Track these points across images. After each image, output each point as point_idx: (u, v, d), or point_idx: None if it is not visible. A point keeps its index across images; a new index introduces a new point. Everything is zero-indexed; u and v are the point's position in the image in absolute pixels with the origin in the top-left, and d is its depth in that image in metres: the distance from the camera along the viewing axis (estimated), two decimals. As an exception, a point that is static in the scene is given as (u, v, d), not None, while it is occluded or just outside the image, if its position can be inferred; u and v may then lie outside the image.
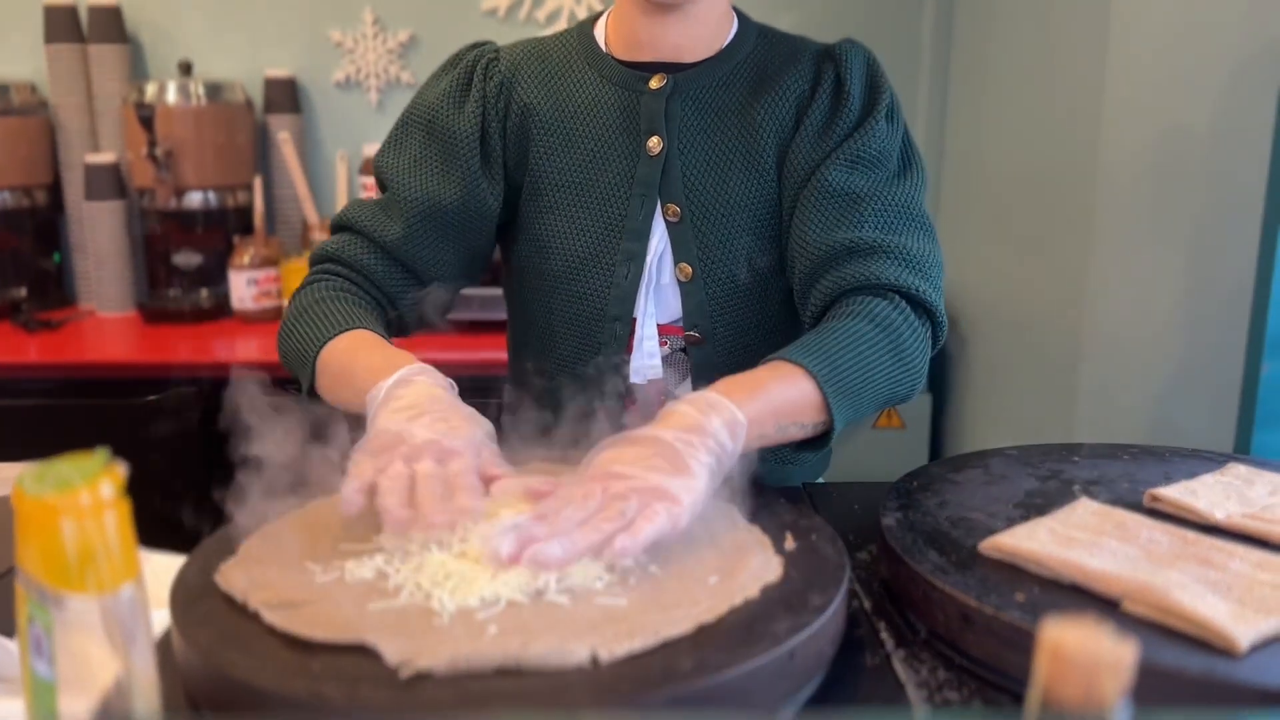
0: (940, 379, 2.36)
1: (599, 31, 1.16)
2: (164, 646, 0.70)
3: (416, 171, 1.13)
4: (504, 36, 2.41)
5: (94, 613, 0.51)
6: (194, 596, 0.71)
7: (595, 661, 0.62)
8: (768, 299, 1.12)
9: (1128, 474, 0.96)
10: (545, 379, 1.11)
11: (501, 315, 1.36)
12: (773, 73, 1.11)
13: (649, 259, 1.10)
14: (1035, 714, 0.36)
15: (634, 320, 1.11)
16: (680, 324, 1.12)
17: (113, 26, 2.33)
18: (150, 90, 2.23)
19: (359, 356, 1.00)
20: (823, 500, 1.04)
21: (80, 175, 2.34)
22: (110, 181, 2.30)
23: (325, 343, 1.02)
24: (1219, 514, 0.83)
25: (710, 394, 0.86)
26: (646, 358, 1.11)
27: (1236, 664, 0.63)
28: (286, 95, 2.40)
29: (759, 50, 1.13)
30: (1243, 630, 0.64)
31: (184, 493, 2.12)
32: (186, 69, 2.29)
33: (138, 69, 2.43)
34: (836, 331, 0.97)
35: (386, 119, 2.46)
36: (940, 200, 2.41)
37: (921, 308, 1.02)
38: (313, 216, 2.36)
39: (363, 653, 0.63)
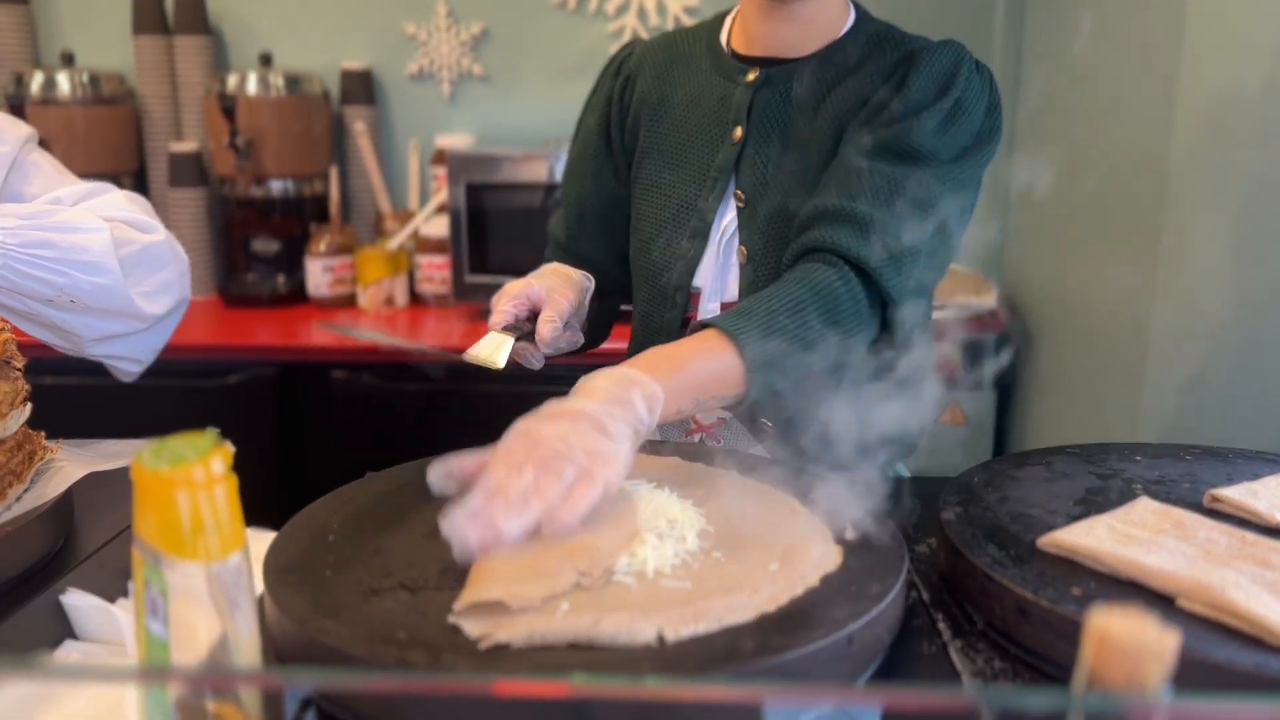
0: (1006, 376, 2.35)
1: (725, 25, 1.24)
2: (257, 613, 0.75)
3: (571, 174, 1.31)
4: (573, 29, 2.47)
5: (203, 578, 0.56)
6: (286, 568, 0.76)
7: (661, 640, 0.65)
8: None
9: (1189, 474, 0.97)
10: (635, 345, 1.24)
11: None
12: (866, 74, 1.12)
13: (717, 239, 1.16)
14: (1080, 695, 0.39)
15: (695, 295, 1.18)
16: (735, 303, 1.16)
17: (197, 19, 2.41)
18: (231, 81, 2.31)
19: None
20: (884, 493, 1.06)
21: (164, 163, 2.42)
22: (193, 169, 2.38)
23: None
24: None
25: (629, 369, 0.87)
26: None
27: (1289, 662, 0.64)
28: (362, 87, 2.46)
29: (865, 49, 1.13)
30: (1297, 629, 0.66)
31: (260, 471, 2.19)
32: (266, 61, 2.36)
33: (220, 60, 2.51)
34: (772, 297, 0.97)
35: (458, 110, 2.51)
36: (1009, 198, 2.40)
37: (872, 284, 1.00)
38: (386, 205, 2.42)
39: (446, 626, 0.67)
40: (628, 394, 0.84)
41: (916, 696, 0.47)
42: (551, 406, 0.83)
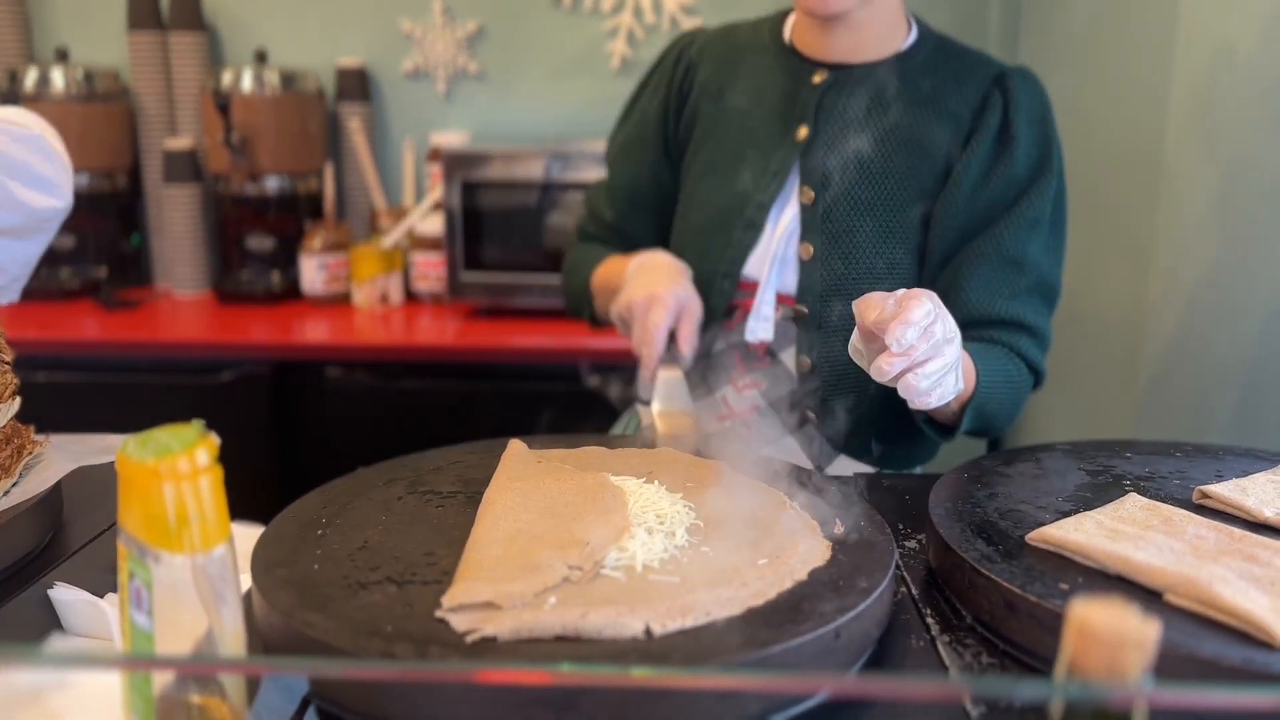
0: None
1: (788, 23, 1.26)
2: (244, 606, 0.75)
3: (623, 156, 1.34)
4: (568, 27, 2.47)
5: (188, 570, 0.55)
6: (274, 562, 0.76)
7: (649, 633, 0.65)
8: (879, 289, 1.16)
9: (1179, 471, 0.97)
10: None
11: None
12: (940, 84, 1.17)
13: (774, 232, 1.19)
14: (1061, 685, 0.39)
15: (752, 284, 1.20)
16: (794, 297, 1.20)
17: (192, 15, 2.41)
18: (227, 78, 2.30)
19: (613, 264, 1.28)
20: (874, 489, 1.06)
21: (159, 160, 2.42)
22: (187, 166, 2.37)
23: (594, 262, 1.31)
24: (1268, 512, 0.84)
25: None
26: (761, 320, 1.20)
27: (1275, 656, 0.64)
28: (357, 84, 2.46)
29: (932, 61, 1.19)
30: (1283, 624, 0.66)
31: (253, 466, 2.19)
32: (262, 58, 2.35)
33: (215, 57, 2.51)
34: (1002, 360, 1.12)
35: (453, 108, 2.51)
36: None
37: (1038, 383, 1.20)
38: (381, 203, 2.42)
39: (433, 619, 0.67)
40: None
41: (901, 688, 0.47)
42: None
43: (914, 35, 1.21)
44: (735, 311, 1.22)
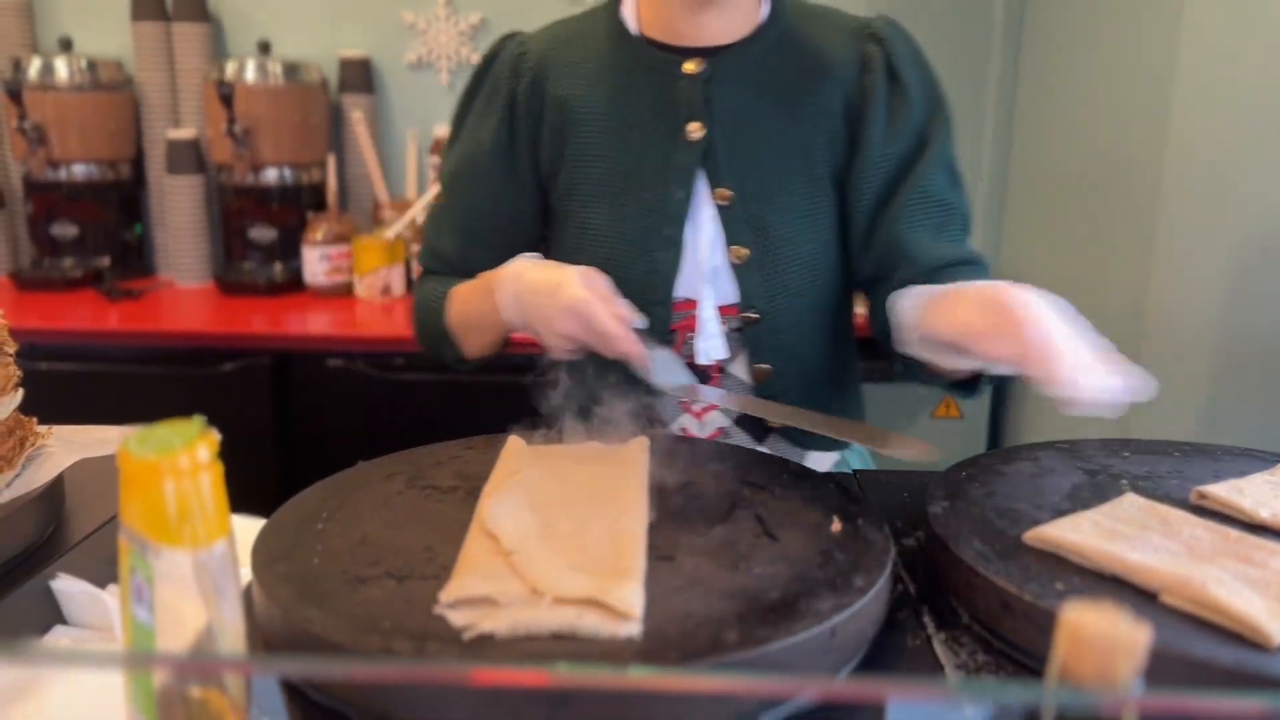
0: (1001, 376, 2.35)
1: (627, 11, 1.16)
2: (244, 600, 0.75)
3: (455, 184, 1.21)
4: (573, 20, 2.46)
5: (189, 565, 0.56)
6: (274, 556, 0.76)
7: (645, 632, 0.66)
8: (819, 274, 1.15)
9: (1177, 471, 0.97)
10: (595, 362, 1.07)
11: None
12: (813, 50, 1.12)
13: (696, 243, 1.11)
14: (1053, 689, 0.39)
15: (686, 303, 1.12)
16: (737, 305, 1.13)
17: (196, 6, 2.41)
18: (230, 69, 2.31)
19: (474, 285, 1.14)
20: (873, 487, 1.06)
21: (162, 150, 2.42)
22: (190, 157, 2.38)
23: (445, 297, 1.18)
24: (1264, 513, 0.84)
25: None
26: (709, 339, 1.12)
27: (1268, 658, 0.64)
28: (360, 75, 2.46)
29: (794, 26, 1.14)
30: (1277, 626, 0.66)
31: (255, 459, 2.20)
32: (265, 48, 2.36)
33: (218, 48, 2.51)
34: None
35: (456, 99, 2.51)
36: (1007, 191, 2.40)
37: None
38: (383, 194, 2.42)
39: (431, 615, 0.67)
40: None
41: (897, 688, 0.47)
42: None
43: (767, 4, 1.13)
44: (675, 335, 1.13)
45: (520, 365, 2.09)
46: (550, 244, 1.23)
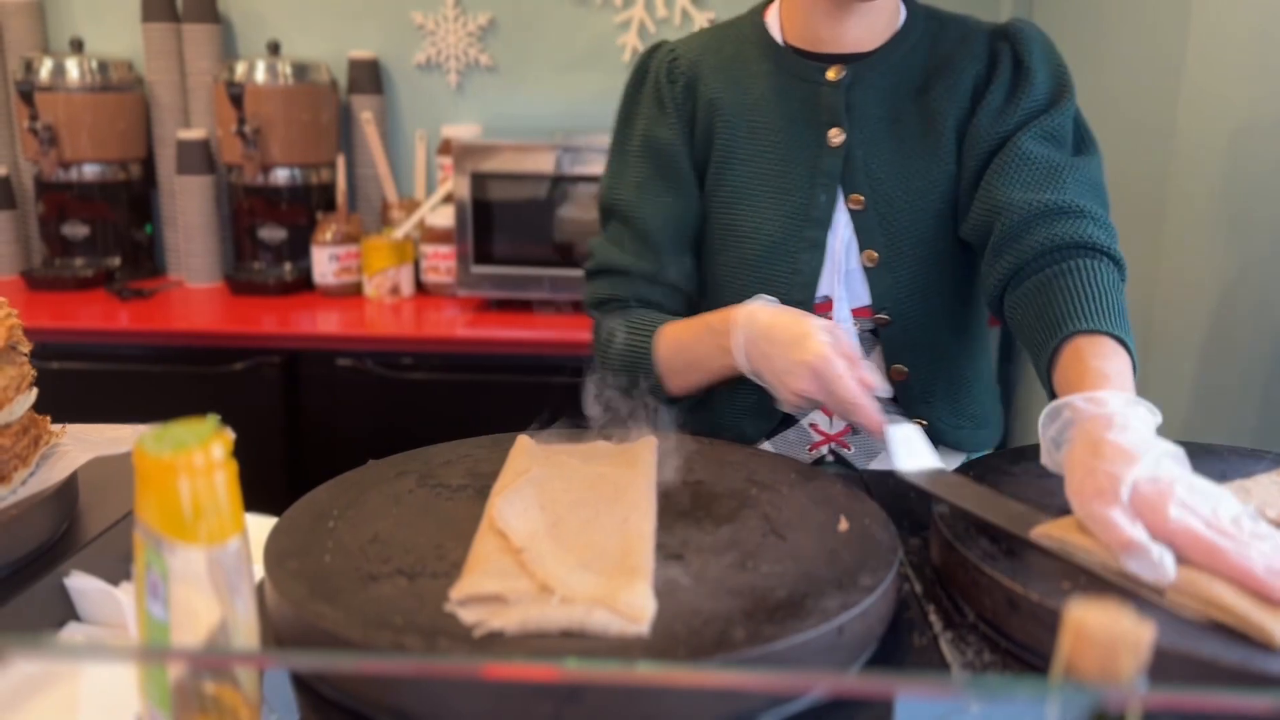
0: (1009, 372, 2.36)
1: (771, 21, 1.20)
2: (257, 597, 0.76)
3: (643, 197, 1.19)
4: (580, 20, 2.48)
5: (203, 562, 0.57)
6: (286, 553, 0.77)
7: (653, 629, 0.66)
8: (948, 275, 1.16)
9: (1183, 471, 0.97)
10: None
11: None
12: (946, 55, 1.14)
13: (835, 246, 1.14)
14: (1057, 686, 0.39)
15: (824, 304, 1.15)
16: (869, 307, 1.15)
17: (206, 7, 2.42)
18: (240, 69, 2.32)
19: (694, 324, 1.10)
20: (880, 487, 1.07)
21: (172, 150, 2.43)
22: (200, 157, 2.39)
23: (654, 333, 1.12)
24: (1270, 512, 0.84)
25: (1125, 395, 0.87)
26: None
27: (1274, 657, 0.65)
28: (369, 76, 2.47)
29: (929, 33, 1.16)
30: (1282, 626, 0.66)
31: (264, 456, 2.21)
32: (275, 49, 2.37)
33: (228, 48, 2.52)
34: (1114, 290, 1.00)
35: (465, 100, 2.52)
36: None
37: (1123, 273, 1.06)
38: (392, 195, 2.43)
39: (442, 612, 0.68)
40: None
41: (904, 684, 0.48)
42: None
43: (904, 12, 1.17)
44: None
45: (529, 366, 2.11)
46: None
